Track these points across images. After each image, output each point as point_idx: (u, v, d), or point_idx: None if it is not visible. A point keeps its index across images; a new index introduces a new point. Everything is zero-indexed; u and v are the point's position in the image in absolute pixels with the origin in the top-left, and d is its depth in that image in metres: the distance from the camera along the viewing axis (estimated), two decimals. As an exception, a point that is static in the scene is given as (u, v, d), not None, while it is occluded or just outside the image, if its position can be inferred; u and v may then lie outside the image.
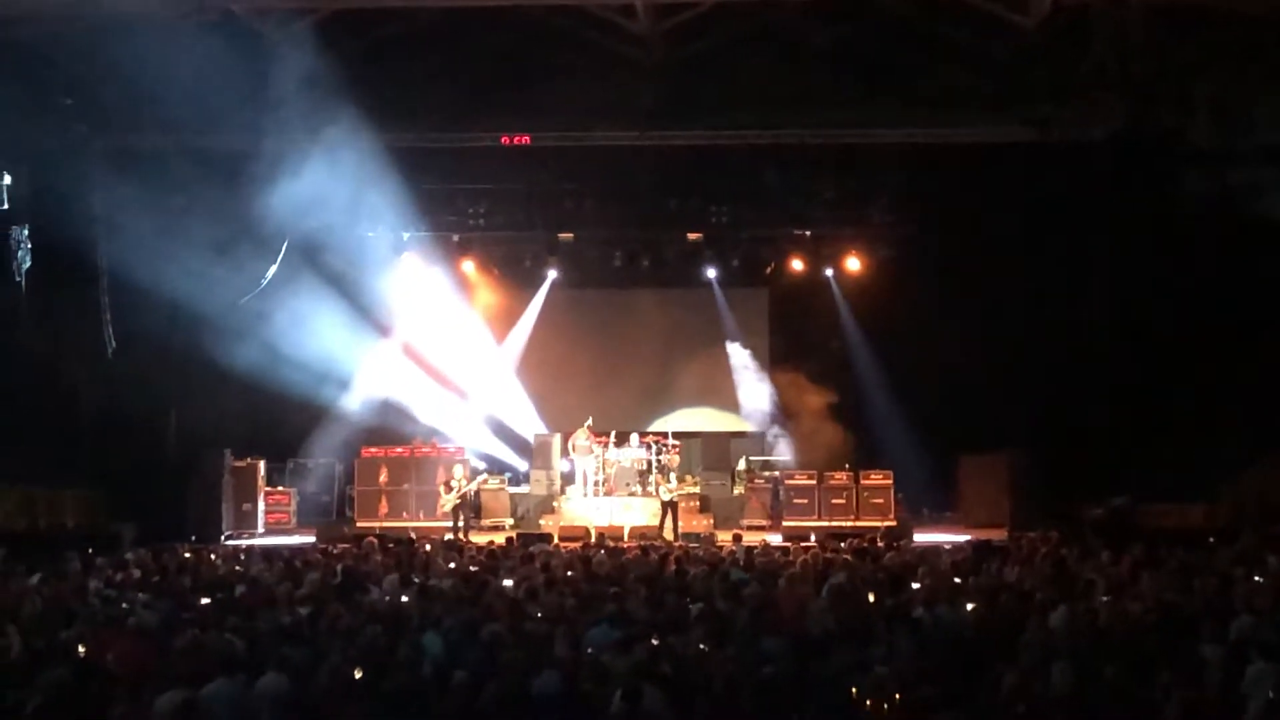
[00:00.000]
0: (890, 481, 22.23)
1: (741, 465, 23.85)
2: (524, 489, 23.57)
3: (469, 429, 24.40)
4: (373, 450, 22.94)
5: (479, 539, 19.41)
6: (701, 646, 9.53)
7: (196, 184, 20.64)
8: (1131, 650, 9.19)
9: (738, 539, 18.97)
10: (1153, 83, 18.14)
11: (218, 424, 21.97)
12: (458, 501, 20.95)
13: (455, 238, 23.83)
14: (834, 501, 22.19)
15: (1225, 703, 8.33)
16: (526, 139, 20.85)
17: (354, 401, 23.78)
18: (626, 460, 22.82)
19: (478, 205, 23.22)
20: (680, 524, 20.96)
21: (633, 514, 21.82)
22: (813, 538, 19.15)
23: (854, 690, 8.48)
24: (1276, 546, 14.17)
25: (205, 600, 11.93)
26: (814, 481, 22.36)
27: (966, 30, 19.19)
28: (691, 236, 23.67)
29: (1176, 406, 19.68)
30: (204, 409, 21.71)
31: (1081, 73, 18.69)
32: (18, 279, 19.37)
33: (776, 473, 23.31)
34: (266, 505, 22.61)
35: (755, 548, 16.15)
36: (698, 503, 22.33)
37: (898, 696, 8.37)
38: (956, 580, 13.00)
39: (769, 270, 24.63)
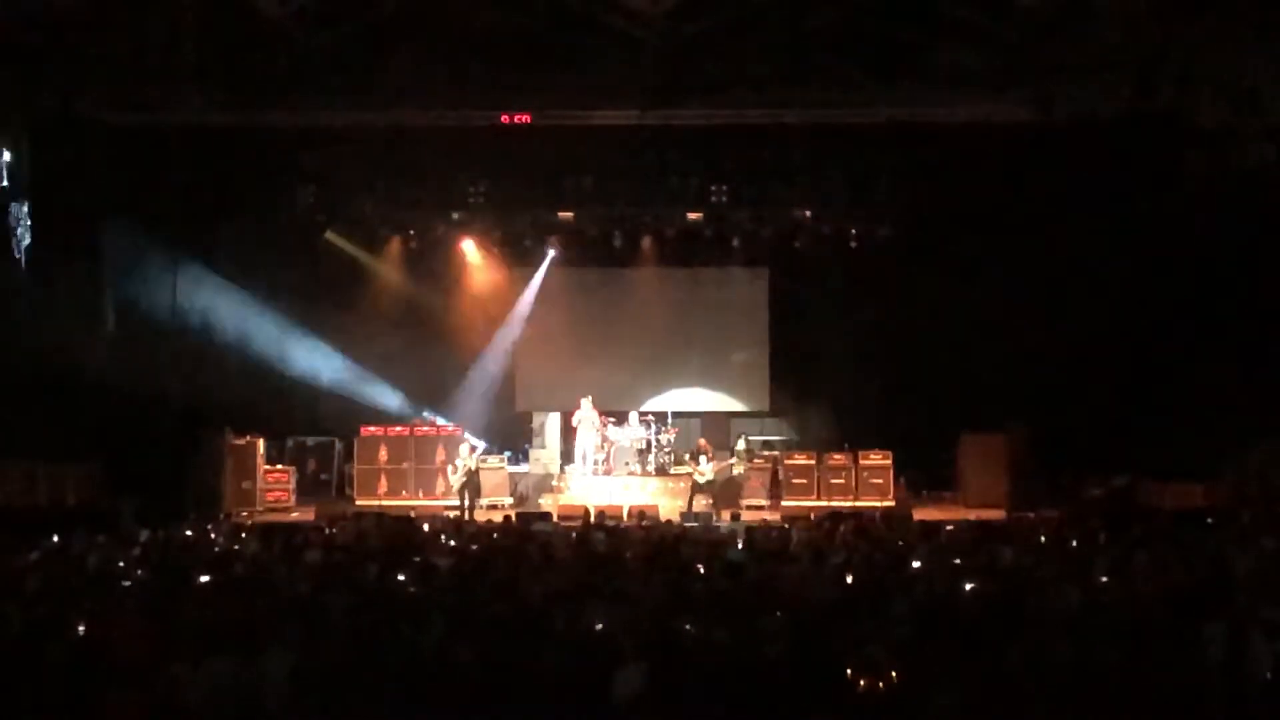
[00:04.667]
0: (889, 461, 22.30)
1: (740, 445, 23.86)
2: (523, 468, 23.62)
3: (468, 408, 24.41)
4: (372, 429, 23.00)
5: (478, 518, 19.45)
6: (700, 627, 9.52)
7: (195, 160, 20.65)
8: (1132, 630, 9.18)
9: (736, 518, 18.99)
10: (1158, 62, 18.08)
11: (217, 401, 21.94)
12: (464, 480, 20.95)
13: (455, 216, 23.76)
14: (833, 481, 22.29)
15: (1226, 682, 8.33)
16: (527, 117, 20.77)
17: (353, 380, 23.79)
18: (625, 439, 22.84)
19: (477, 184, 23.12)
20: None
21: (632, 493, 21.82)
22: (812, 518, 19.17)
23: (852, 670, 8.48)
24: (1277, 526, 14.18)
25: (205, 578, 11.92)
26: (813, 462, 22.43)
27: (970, 8, 19.09)
28: (691, 216, 23.58)
29: (1178, 386, 19.69)
30: (204, 386, 21.69)
31: (1086, 52, 18.61)
32: (18, 256, 19.36)
33: (776, 453, 23.34)
34: (266, 483, 22.62)
35: (754, 527, 16.15)
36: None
37: (895, 676, 8.37)
38: (956, 560, 12.99)
39: (769, 250, 24.56)
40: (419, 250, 24.56)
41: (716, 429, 24.31)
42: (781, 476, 22.48)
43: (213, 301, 21.57)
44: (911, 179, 22.28)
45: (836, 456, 22.50)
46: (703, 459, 21.27)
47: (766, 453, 23.49)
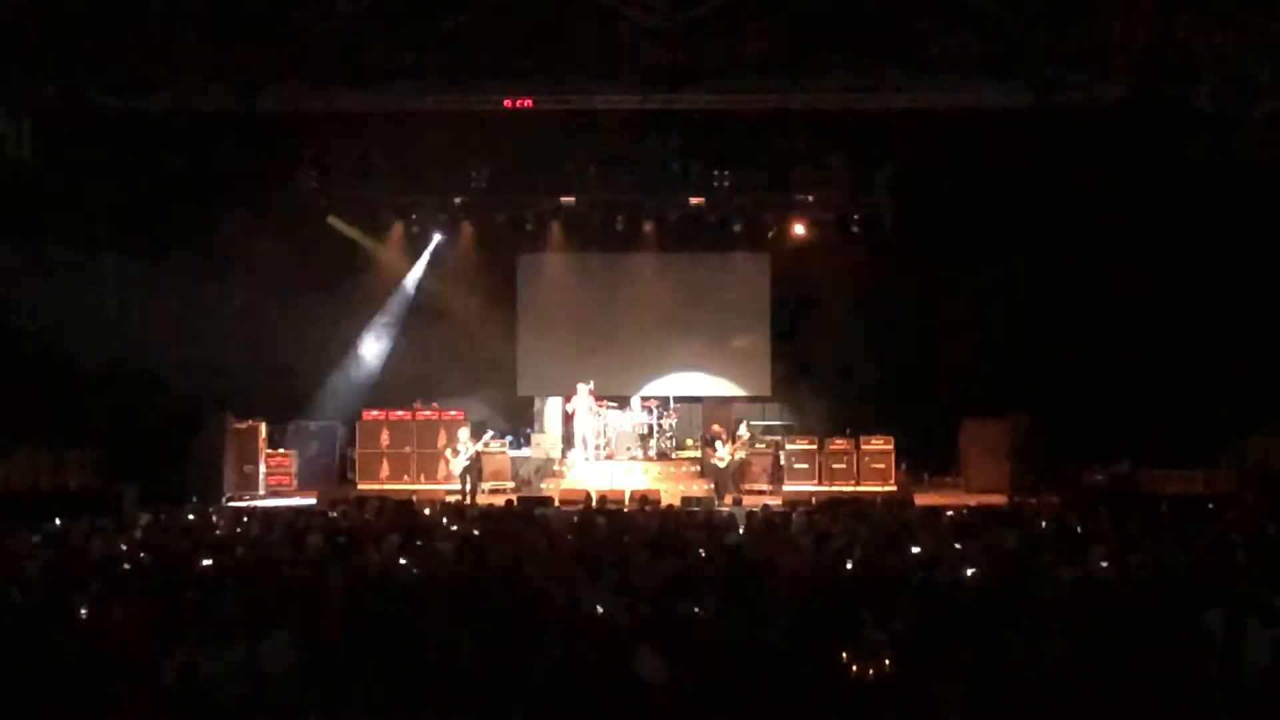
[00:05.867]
0: (891, 446, 22.34)
1: (742, 430, 23.87)
2: (525, 452, 23.62)
3: (469, 392, 24.40)
4: (374, 413, 23.01)
5: (480, 502, 19.47)
6: (701, 610, 9.54)
7: (199, 145, 20.64)
8: (1132, 616, 9.20)
9: (738, 503, 18.99)
10: (1158, 48, 18.03)
11: (219, 386, 21.95)
12: (466, 464, 20.93)
13: (457, 200, 23.73)
14: (835, 466, 22.32)
15: (1225, 668, 8.35)
16: (529, 102, 20.73)
17: (355, 364, 23.80)
18: (627, 424, 22.85)
19: (479, 168, 23.11)
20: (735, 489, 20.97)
21: (634, 478, 21.85)
22: (813, 502, 19.19)
23: (851, 655, 8.50)
24: (1277, 512, 14.19)
25: (207, 562, 11.94)
26: (815, 446, 22.45)
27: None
28: (694, 201, 23.56)
29: (1179, 372, 19.69)
30: (206, 371, 21.70)
31: (1087, 37, 18.56)
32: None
33: (777, 437, 23.34)
34: (268, 467, 22.65)
35: (755, 511, 16.16)
36: (699, 467, 22.37)
37: (894, 661, 8.38)
38: (957, 545, 13.01)
39: (771, 234, 24.54)
40: (421, 234, 24.55)
41: (718, 414, 24.31)
42: (783, 461, 22.53)
43: (213, 286, 21.53)
44: (913, 164, 22.25)
45: (838, 441, 22.55)
46: (718, 443, 21.28)
47: (768, 437, 23.49)
